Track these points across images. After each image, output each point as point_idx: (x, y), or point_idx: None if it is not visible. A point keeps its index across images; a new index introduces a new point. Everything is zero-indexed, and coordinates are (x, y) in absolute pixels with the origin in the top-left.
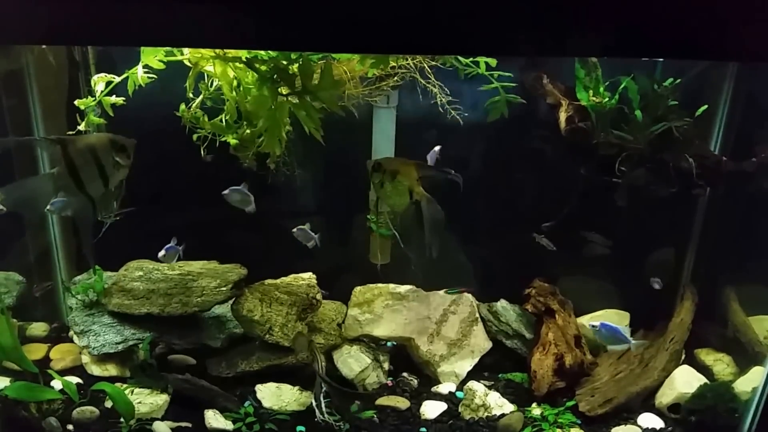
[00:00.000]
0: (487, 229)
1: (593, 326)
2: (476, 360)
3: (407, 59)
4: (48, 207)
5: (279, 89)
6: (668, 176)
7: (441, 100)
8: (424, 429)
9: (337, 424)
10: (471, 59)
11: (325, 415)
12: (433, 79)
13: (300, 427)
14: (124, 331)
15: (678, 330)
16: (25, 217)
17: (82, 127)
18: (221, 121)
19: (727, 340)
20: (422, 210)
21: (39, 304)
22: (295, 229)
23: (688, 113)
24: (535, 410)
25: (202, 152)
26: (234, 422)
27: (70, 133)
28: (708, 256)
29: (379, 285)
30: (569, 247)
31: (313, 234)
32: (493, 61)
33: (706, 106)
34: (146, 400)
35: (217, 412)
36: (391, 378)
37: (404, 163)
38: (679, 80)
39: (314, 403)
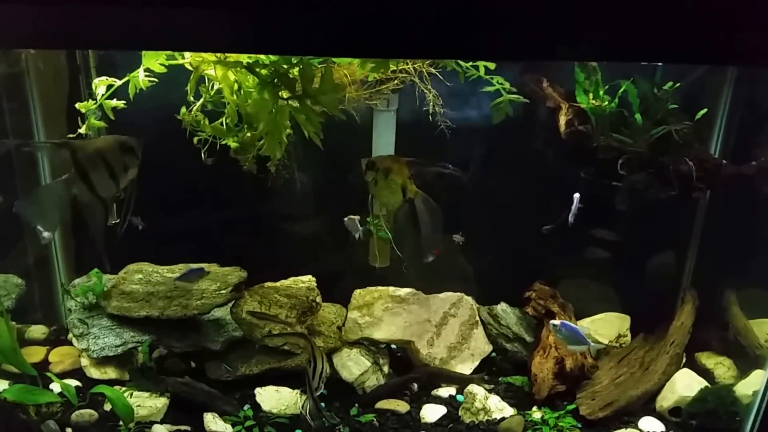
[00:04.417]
0: (487, 232)
1: (554, 325)
2: (476, 363)
3: (407, 63)
4: None
5: (279, 93)
6: (668, 179)
7: (438, 109)
8: None
9: (337, 427)
10: (471, 63)
11: (312, 422)
12: (429, 85)
13: (299, 431)
14: (123, 334)
15: (678, 333)
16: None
17: (83, 130)
18: (222, 124)
19: (728, 344)
20: (416, 208)
21: (38, 307)
22: (345, 219)
23: (688, 117)
24: (536, 414)
25: (202, 155)
26: (233, 425)
27: (71, 136)
28: (708, 259)
29: (379, 288)
30: (570, 250)
31: (357, 224)
32: (492, 65)
33: (705, 110)
34: (145, 403)
35: (216, 415)
36: None
37: (397, 161)
38: (678, 84)
39: (306, 407)
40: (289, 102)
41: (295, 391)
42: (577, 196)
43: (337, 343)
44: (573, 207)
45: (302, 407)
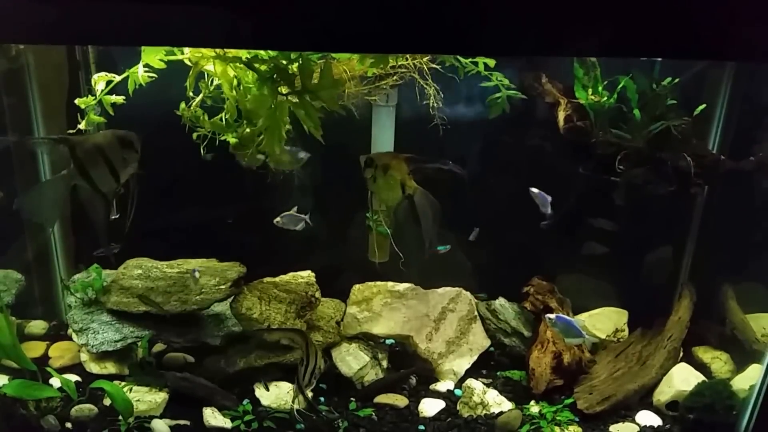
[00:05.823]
0: (485, 228)
1: (549, 318)
2: (475, 358)
3: (406, 58)
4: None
5: (279, 88)
6: (666, 175)
7: (437, 104)
8: (422, 427)
9: (336, 422)
10: (470, 59)
11: (298, 414)
12: (430, 79)
13: (300, 425)
14: (122, 329)
15: (676, 328)
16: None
17: (82, 125)
18: (221, 120)
19: (725, 338)
20: (416, 203)
21: (38, 303)
22: (278, 218)
23: (687, 112)
24: (534, 408)
25: (201, 151)
26: (232, 420)
27: (71, 132)
28: (706, 254)
29: (378, 283)
30: (568, 245)
31: (301, 216)
32: (491, 62)
33: (704, 105)
34: (145, 398)
35: (216, 410)
36: None
37: (395, 157)
38: (677, 79)
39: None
40: (289, 98)
41: (294, 386)
42: (534, 190)
43: (336, 338)
44: (540, 201)
45: (292, 403)
